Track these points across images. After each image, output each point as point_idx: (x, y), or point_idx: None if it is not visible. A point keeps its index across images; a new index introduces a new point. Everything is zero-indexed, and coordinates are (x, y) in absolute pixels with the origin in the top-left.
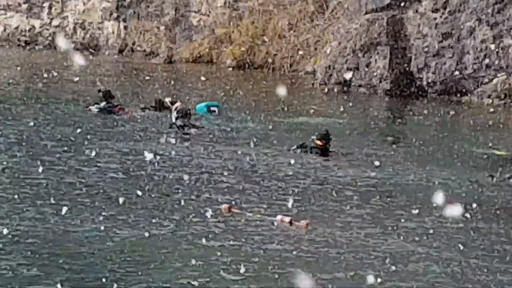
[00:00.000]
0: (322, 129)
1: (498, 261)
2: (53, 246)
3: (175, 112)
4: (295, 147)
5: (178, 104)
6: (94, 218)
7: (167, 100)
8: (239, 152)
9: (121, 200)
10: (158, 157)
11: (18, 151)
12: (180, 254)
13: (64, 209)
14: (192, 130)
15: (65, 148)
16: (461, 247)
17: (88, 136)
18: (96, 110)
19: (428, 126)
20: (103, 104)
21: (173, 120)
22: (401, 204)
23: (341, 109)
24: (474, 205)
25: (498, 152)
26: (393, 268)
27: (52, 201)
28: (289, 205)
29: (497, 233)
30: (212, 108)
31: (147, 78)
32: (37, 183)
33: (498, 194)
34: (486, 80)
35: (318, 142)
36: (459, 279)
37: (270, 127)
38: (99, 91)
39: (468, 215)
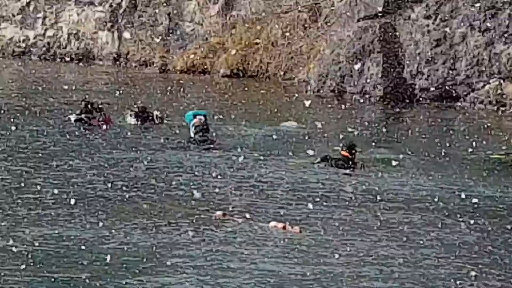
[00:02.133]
0: (348, 140)
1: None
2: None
3: (193, 127)
4: (318, 160)
5: (195, 120)
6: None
7: (156, 113)
8: (244, 160)
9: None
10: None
11: None
12: (173, 259)
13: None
14: (211, 144)
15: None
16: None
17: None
18: (73, 119)
19: (422, 133)
20: (79, 114)
21: (192, 135)
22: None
23: (337, 116)
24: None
25: (494, 156)
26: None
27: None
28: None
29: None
30: (198, 117)
31: (140, 88)
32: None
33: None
34: (479, 86)
35: (344, 153)
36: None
37: (274, 134)
38: (83, 101)
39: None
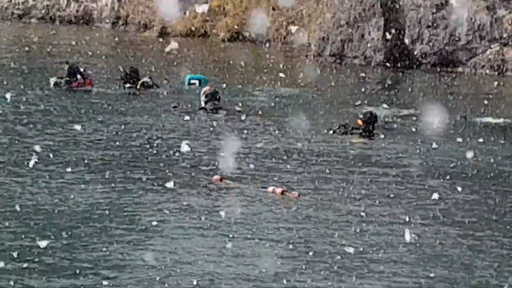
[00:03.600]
0: (367, 111)
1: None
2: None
3: (204, 95)
4: (337, 127)
5: (206, 88)
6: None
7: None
8: (248, 125)
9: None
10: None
11: None
12: (171, 222)
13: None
14: (221, 112)
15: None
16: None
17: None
18: (52, 82)
19: (423, 97)
20: (58, 78)
21: (202, 104)
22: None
23: (336, 80)
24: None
25: (494, 121)
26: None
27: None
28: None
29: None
30: (192, 81)
31: (139, 52)
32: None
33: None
34: (479, 51)
35: (360, 122)
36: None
37: (276, 99)
38: (67, 62)
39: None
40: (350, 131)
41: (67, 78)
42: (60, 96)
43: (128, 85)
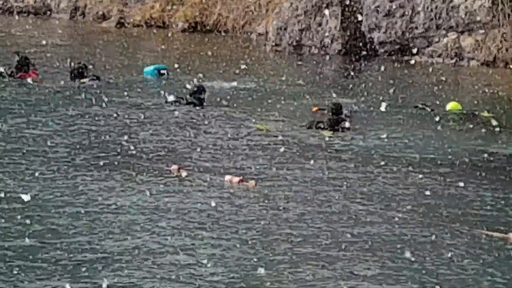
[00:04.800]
0: (332, 102)
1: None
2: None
3: (195, 88)
4: (306, 124)
5: (195, 81)
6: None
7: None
8: (207, 116)
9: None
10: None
11: None
12: (124, 214)
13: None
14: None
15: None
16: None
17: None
18: None
19: (380, 86)
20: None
21: (188, 97)
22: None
23: (295, 70)
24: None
25: (449, 108)
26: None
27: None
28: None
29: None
30: (162, 71)
31: (98, 43)
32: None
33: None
34: (436, 39)
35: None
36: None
37: (236, 90)
38: (17, 53)
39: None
40: (315, 125)
41: (13, 69)
42: (4, 87)
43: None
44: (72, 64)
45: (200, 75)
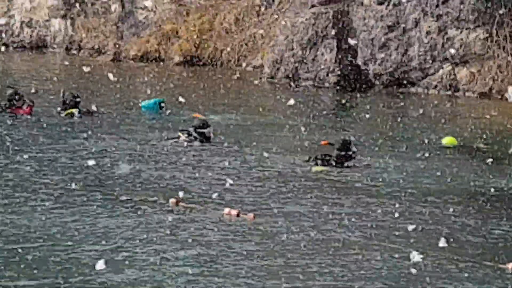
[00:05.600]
0: (340, 138)
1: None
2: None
3: (200, 123)
4: (310, 158)
5: (197, 115)
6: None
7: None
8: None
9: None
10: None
11: None
12: (126, 249)
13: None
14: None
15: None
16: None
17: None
18: None
19: (376, 118)
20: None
21: (192, 131)
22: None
23: (291, 103)
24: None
25: (444, 142)
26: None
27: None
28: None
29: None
30: (162, 104)
31: (93, 77)
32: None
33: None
34: (432, 71)
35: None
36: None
37: (233, 123)
38: (9, 86)
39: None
40: (321, 159)
41: (6, 103)
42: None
43: (64, 113)
44: (66, 94)
45: (200, 107)
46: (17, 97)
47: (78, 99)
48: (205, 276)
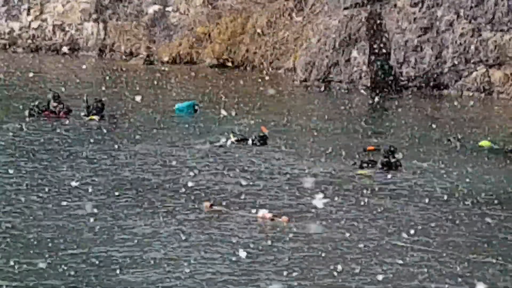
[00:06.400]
0: (389, 145)
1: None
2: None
3: (261, 134)
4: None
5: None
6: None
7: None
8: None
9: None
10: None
11: None
12: (165, 250)
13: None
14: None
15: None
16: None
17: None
18: (27, 113)
19: (411, 121)
20: (32, 108)
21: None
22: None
23: (324, 106)
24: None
25: (481, 144)
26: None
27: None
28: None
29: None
30: (195, 107)
31: (125, 79)
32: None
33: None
34: (465, 73)
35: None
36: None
37: (267, 125)
38: (50, 90)
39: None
40: (367, 164)
41: (42, 107)
42: (34, 127)
43: (89, 117)
44: (89, 99)
45: (233, 110)
46: (55, 103)
47: (101, 104)
48: (239, 276)
